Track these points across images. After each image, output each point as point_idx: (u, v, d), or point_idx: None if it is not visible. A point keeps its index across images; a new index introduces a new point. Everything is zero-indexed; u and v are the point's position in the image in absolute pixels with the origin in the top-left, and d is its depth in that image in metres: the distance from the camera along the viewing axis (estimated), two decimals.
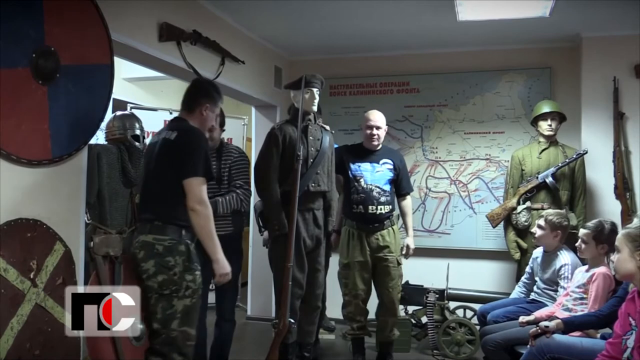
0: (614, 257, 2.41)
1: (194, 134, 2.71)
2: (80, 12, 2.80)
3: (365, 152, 3.90)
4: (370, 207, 3.77)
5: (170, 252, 2.60)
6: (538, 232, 3.55)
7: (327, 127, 3.75)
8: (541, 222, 3.55)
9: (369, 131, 3.85)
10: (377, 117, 3.87)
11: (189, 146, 2.65)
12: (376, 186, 3.80)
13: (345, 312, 3.93)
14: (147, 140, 4.23)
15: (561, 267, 3.39)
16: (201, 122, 2.81)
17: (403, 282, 4.36)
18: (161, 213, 2.64)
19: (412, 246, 3.94)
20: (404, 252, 3.93)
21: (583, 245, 3.11)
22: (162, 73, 4.17)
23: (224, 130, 3.60)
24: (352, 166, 3.85)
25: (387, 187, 3.84)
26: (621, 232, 2.40)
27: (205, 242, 2.64)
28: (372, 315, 4.09)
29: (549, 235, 3.50)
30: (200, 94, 2.83)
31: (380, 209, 3.79)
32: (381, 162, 3.87)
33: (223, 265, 2.69)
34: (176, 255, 2.60)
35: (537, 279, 3.58)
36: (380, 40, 4.93)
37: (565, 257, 3.42)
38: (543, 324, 2.71)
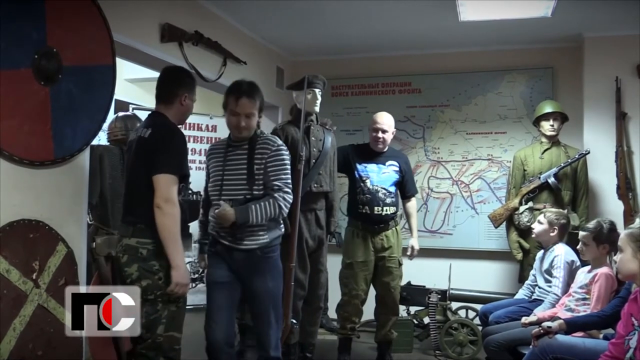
0: (616, 257, 2.40)
1: (167, 129, 2.58)
2: (82, 13, 2.80)
3: (372, 153, 3.90)
4: (376, 207, 3.77)
5: (155, 256, 2.49)
6: (537, 228, 3.60)
7: (329, 122, 3.75)
8: (541, 217, 3.63)
9: (374, 134, 3.84)
10: (384, 120, 3.85)
11: (160, 143, 2.52)
12: (382, 187, 3.80)
13: (341, 311, 3.92)
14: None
15: (554, 257, 3.43)
16: (182, 112, 2.71)
17: (405, 282, 4.37)
18: (143, 215, 2.50)
19: (416, 247, 3.95)
20: (408, 253, 3.92)
21: (584, 248, 3.11)
22: None
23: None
24: (359, 166, 3.85)
25: (393, 189, 3.85)
26: (624, 232, 2.39)
27: (167, 243, 2.45)
28: (369, 315, 4.10)
29: (547, 231, 3.54)
30: (176, 83, 2.68)
31: (386, 210, 3.79)
32: (387, 163, 3.87)
33: (183, 274, 2.48)
34: (161, 259, 2.49)
35: (538, 277, 3.59)
36: (382, 41, 4.93)
37: (559, 249, 3.46)
38: (545, 324, 2.71)
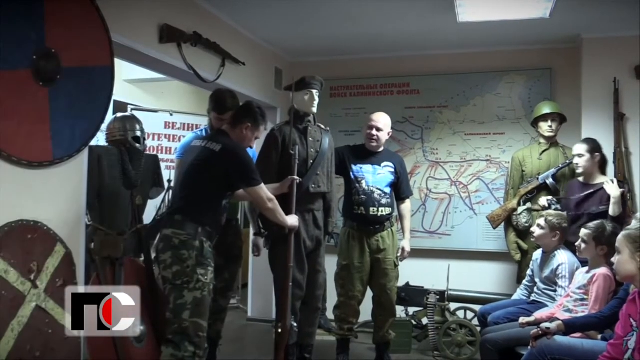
0: (614, 258, 2.41)
1: (238, 148, 2.97)
2: (81, 14, 2.80)
3: (367, 154, 3.90)
4: (371, 208, 3.77)
5: (185, 246, 2.76)
6: (537, 232, 3.57)
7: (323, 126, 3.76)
8: (541, 221, 3.57)
9: (368, 131, 3.85)
10: (378, 118, 3.85)
11: (237, 160, 2.91)
12: (377, 188, 3.80)
13: (338, 312, 3.91)
14: (149, 142, 4.25)
15: (558, 266, 3.41)
16: (240, 138, 3.03)
17: (404, 283, 4.37)
18: (184, 210, 2.85)
19: (407, 249, 3.93)
20: (398, 255, 3.92)
21: (583, 245, 3.11)
22: (162, 75, 4.17)
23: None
24: (354, 167, 3.85)
25: (388, 190, 3.85)
26: (621, 233, 2.39)
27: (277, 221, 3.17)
28: (367, 316, 4.10)
29: (547, 235, 3.51)
30: (245, 114, 3.06)
31: (382, 211, 3.79)
32: (382, 164, 3.87)
33: (292, 223, 3.27)
34: (190, 249, 2.77)
35: (536, 279, 3.59)
36: (381, 42, 4.94)
37: (562, 257, 3.44)
38: (544, 325, 2.71)
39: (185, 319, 2.72)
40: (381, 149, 3.92)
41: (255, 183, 2.93)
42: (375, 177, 3.83)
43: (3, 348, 2.38)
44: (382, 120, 3.85)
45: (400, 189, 3.95)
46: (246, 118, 3.04)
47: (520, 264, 4.22)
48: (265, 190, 2.99)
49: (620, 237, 2.36)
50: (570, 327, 2.72)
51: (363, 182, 3.81)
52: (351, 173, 3.84)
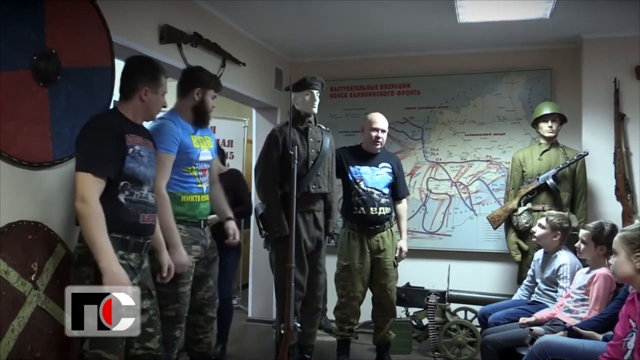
0: (611, 260, 2.41)
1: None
2: (81, 15, 2.80)
3: (365, 155, 3.90)
4: (372, 208, 3.78)
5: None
6: (538, 231, 3.57)
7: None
8: (542, 221, 3.58)
9: (374, 133, 3.84)
10: (381, 120, 3.86)
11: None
12: (376, 189, 3.81)
13: (339, 313, 3.91)
14: None
15: (560, 267, 3.41)
16: (145, 109, 2.46)
17: (404, 283, 4.37)
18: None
19: (405, 249, 3.94)
20: (396, 255, 3.92)
21: (582, 246, 3.12)
22: None
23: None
24: (352, 169, 3.85)
25: (387, 190, 3.86)
26: (617, 235, 2.39)
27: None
28: (367, 316, 4.10)
29: (548, 235, 3.51)
30: (135, 75, 2.44)
31: (382, 210, 3.80)
32: (380, 165, 3.88)
33: (112, 278, 2.22)
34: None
35: (537, 280, 3.59)
36: (381, 42, 4.94)
37: (563, 257, 3.44)
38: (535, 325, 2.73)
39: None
40: (379, 150, 3.92)
41: (78, 165, 2.24)
42: (373, 178, 3.84)
43: (3, 349, 2.38)
44: (384, 122, 3.87)
45: (396, 189, 3.96)
46: (139, 81, 2.43)
47: (521, 265, 4.22)
48: (86, 185, 2.21)
49: (616, 238, 2.36)
50: (574, 334, 2.74)
51: (362, 183, 3.82)
52: (349, 175, 3.85)
